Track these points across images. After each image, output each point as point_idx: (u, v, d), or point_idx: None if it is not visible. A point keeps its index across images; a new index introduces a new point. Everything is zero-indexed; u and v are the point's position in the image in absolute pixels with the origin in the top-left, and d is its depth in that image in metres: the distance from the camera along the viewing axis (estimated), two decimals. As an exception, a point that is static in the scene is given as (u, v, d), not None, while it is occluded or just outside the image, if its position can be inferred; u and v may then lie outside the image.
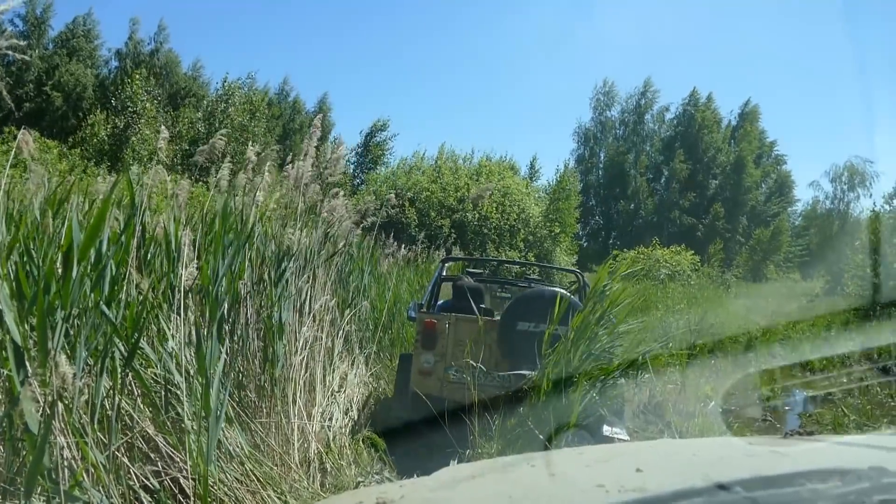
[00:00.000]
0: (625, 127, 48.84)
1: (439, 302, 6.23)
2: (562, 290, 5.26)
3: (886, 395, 8.40)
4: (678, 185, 44.76)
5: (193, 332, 3.25)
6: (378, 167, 31.60)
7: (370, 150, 32.08)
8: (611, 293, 4.61)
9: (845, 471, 0.68)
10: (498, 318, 5.35)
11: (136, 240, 3.05)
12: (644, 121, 48.97)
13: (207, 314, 3.35)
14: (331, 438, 4.04)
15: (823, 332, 12.09)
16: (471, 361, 4.72)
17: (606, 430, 4.70)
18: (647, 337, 6.13)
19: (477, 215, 22.49)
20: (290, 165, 4.45)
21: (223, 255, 3.52)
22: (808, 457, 0.97)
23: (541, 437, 4.01)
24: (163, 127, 3.80)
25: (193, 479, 2.62)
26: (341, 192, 4.78)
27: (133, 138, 21.54)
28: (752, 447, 1.11)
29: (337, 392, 4.70)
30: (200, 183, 13.15)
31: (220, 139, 3.81)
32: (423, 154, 26.80)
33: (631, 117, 48.81)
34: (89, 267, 2.49)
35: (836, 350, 10.55)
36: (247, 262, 3.80)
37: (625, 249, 27.81)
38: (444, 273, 6.86)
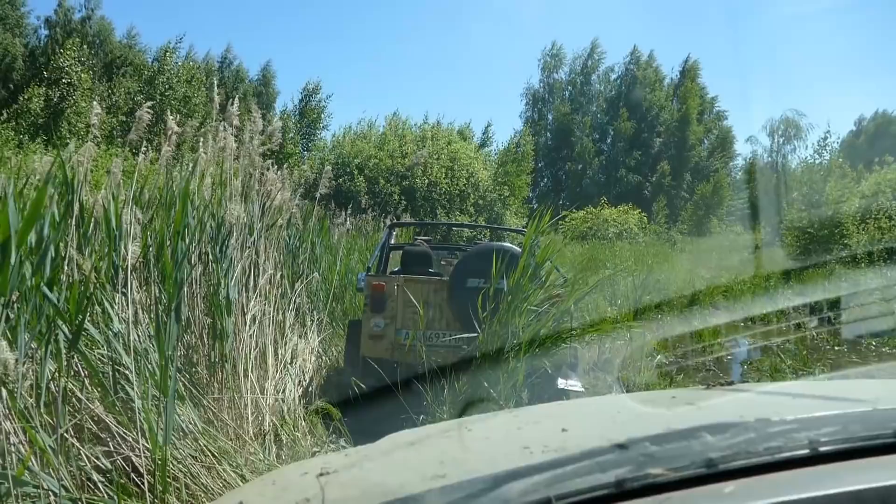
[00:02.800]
0: (572, 88, 49.00)
1: (393, 270, 6.22)
2: (508, 245, 5.26)
3: (821, 339, 8.85)
4: (623, 145, 45.28)
5: (140, 312, 3.22)
6: (318, 131, 31.00)
7: (305, 115, 31.27)
8: (541, 249, 4.68)
9: (736, 423, 0.75)
10: (446, 279, 5.34)
11: (74, 219, 2.99)
12: (591, 82, 49.21)
13: (164, 295, 3.31)
14: (285, 410, 4.06)
15: (763, 283, 12.58)
16: (421, 324, 4.74)
17: (561, 382, 4.77)
18: (591, 292, 6.29)
19: (426, 181, 22.38)
20: (223, 138, 4.36)
21: (183, 235, 3.47)
22: (717, 409, 1.04)
23: (494, 395, 4.10)
24: (95, 103, 3.66)
25: (147, 458, 2.62)
26: (283, 166, 4.73)
27: (68, 111, 20.64)
28: (673, 401, 1.18)
29: (290, 364, 4.71)
30: (142, 156, 12.73)
31: (147, 112, 3.71)
32: (374, 121, 26.40)
33: (578, 79, 48.98)
34: (29, 250, 2.44)
35: (775, 300, 11.02)
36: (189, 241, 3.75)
37: (574, 210, 28.15)
38: (392, 240, 6.82)
